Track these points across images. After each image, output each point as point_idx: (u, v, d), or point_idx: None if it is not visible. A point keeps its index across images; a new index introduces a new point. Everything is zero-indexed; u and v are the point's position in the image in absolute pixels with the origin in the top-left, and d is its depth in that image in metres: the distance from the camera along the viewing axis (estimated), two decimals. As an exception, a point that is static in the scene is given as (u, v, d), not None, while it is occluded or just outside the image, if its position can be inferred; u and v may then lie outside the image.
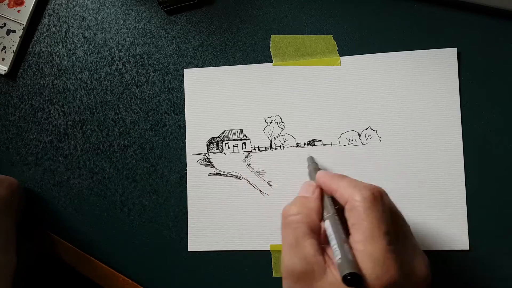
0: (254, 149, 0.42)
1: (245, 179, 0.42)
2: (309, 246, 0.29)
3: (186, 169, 0.43)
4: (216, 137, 0.43)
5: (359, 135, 0.41)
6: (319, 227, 0.31)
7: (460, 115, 0.39)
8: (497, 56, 0.39)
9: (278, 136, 0.42)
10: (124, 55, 0.45)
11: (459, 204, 0.39)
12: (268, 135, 0.42)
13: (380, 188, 0.30)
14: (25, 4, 0.45)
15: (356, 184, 0.30)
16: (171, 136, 0.44)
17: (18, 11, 0.45)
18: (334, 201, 0.32)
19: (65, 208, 0.45)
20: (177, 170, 0.43)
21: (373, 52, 0.41)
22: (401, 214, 0.31)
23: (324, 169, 0.38)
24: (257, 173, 0.42)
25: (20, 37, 0.45)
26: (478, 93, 0.39)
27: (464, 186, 0.39)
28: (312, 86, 0.41)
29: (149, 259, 0.44)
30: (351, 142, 0.41)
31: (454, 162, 0.39)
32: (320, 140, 0.41)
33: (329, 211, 0.31)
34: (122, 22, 0.45)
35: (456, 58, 0.39)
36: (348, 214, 0.29)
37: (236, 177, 0.42)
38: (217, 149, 0.43)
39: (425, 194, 0.39)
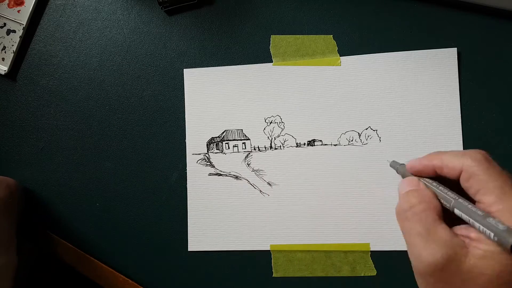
0: (254, 149, 0.42)
1: (245, 179, 0.42)
2: (443, 230, 0.27)
3: (186, 169, 0.43)
4: (216, 137, 0.43)
5: (359, 135, 0.41)
6: (442, 212, 0.29)
7: (460, 115, 0.39)
8: (497, 56, 0.39)
9: (278, 136, 0.42)
10: (124, 55, 0.45)
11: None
12: (268, 135, 0.42)
13: (482, 150, 0.29)
14: (25, 4, 0.45)
15: (460, 153, 0.29)
16: (171, 136, 0.44)
17: (18, 11, 0.45)
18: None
19: (65, 208, 0.45)
20: (177, 170, 0.43)
21: (373, 52, 0.41)
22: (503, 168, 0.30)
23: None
24: (257, 173, 0.42)
25: (20, 37, 0.45)
26: (478, 93, 0.39)
27: (464, 186, 0.39)
28: (312, 86, 0.41)
29: (149, 259, 0.44)
30: (351, 142, 0.41)
31: (454, 162, 0.39)
32: (320, 140, 0.41)
33: (449, 195, 0.29)
34: (122, 22, 0.45)
35: (456, 58, 0.39)
36: (467, 184, 0.28)
37: (236, 177, 0.42)
38: (217, 149, 0.43)
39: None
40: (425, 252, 0.27)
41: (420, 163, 0.32)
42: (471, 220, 0.27)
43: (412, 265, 0.29)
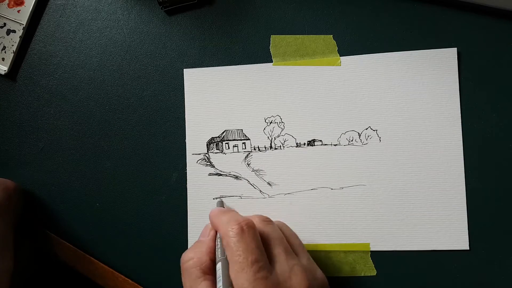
0: (254, 149, 0.42)
1: (245, 179, 0.42)
2: (203, 287, 0.30)
3: (186, 169, 0.43)
4: (216, 137, 0.43)
5: (359, 135, 0.41)
6: (212, 268, 0.32)
7: (460, 115, 0.39)
8: (497, 56, 0.39)
9: (278, 136, 0.42)
10: (124, 55, 0.45)
11: (459, 204, 0.39)
12: (268, 135, 0.42)
13: (250, 220, 0.32)
14: (25, 4, 0.45)
15: (229, 219, 0.32)
16: (171, 136, 0.44)
17: (18, 11, 0.45)
18: None
19: (65, 208, 0.45)
20: (177, 170, 0.43)
21: (373, 52, 0.41)
22: (278, 237, 0.33)
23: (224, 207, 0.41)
24: (257, 173, 0.42)
25: (20, 37, 0.45)
26: (478, 93, 0.39)
27: (464, 186, 0.39)
28: (312, 86, 0.41)
29: (149, 259, 0.43)
30: (351, 142, 0.41)
31: (454, 162, 0.39)
32: (320, 140, 0.41)
33: (221, 253, 0.32)
34: (122, 22, 0.45)
35: (456, 58, 0.39)
36: (225, 249, 0.31)
37: (236, 177, 0.42)
38: (217, 149, 0.43)
39: (425, 194, 0.39)
40: None
41: (211, 218, 0.35)
42: (219, 279, 0.30)
43: None
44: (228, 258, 0.30)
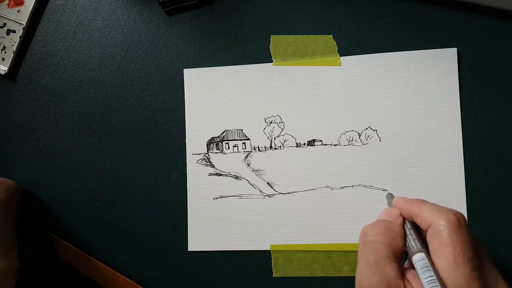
0: (254, 149, 0.42)
1: (245, 179, 0.42)
2: (391, 269, 0.28)
3: (186, 169, 0.43)
4: (216, 137, 0.43)
5: (359, 135, 0.41)
6: (402, 253, 0.30)
7: (460, 115, 0.39)
8: (497, 56, 0.39)
9: (278, 136, 0.42)
10: (124, 55, 0.45)
11: (459, 204, 0.39)
12: (268, 135, 0.42)
13: (461, 213, 0.29)
14: (25, 4, 0.45)
15: (439, 208, 0.29)
16: (171, 136, 0.44)
17: (18, 11, 0.45)
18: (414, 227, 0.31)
19: (65, 208, 0.45)
20: (177, 170, 0.43)
21: (373, 52, 0.41)
22: (480, 241, 0.30)
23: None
24: (257, 173, 0.42)
25: (20, 37, 0.45)
26: (478, 93, 0.39)
27: (464, 186, 0.39)
28: (312, 86, 0.41)
29: (149, 259, 0.44)
30: (351, 142, 0.41)
31: (454, 162, 0.39)
32: (320, 140, 0.41)
33: (417, 244, 0.30)
34: (122, 22, 0.45)
35: (456, 58, 0.39)
36: (430, 239, 0.28)
37: (236, 177, 0.42)
38: (217, 149, 0.43)
39: (425, 194, 0.39)
40: (366, 281, 0.28)
41: (402, 204, 0.32)
42: (421, 278, 0.27)
43: (355, 282, 0.30)
44: (434, 249, 0.27)
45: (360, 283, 0.29)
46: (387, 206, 0.35)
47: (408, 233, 0.30)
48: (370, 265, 0.28)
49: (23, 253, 0.43)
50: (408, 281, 0.28)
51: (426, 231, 0.29)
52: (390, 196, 0.37)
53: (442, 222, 0.28)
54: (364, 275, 0.28)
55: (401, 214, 0.32)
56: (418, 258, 0.28)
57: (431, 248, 0.28)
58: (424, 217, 0.29)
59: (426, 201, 0.31)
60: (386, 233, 0.30)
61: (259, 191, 0.42)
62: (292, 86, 0.42)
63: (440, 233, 0.27)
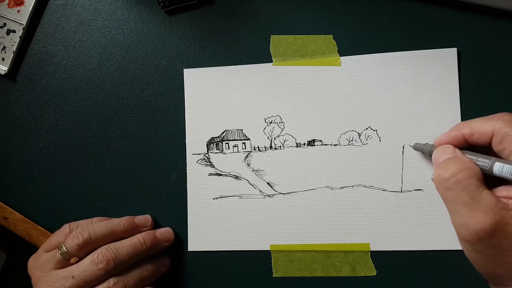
0: (254, 149, 0.42)
1: (245, 179, 0.42)
2: (488, 196, 0.27)
3: (186, 169, 0.43)
4: (216, 137, 0.43)
5: (359, 135, 0.41)
6: (483, 177, 0.29)
7: (460, 115, 0.39)
8: (497, 56, 0.39)
9: (278, 136, 0.42)
10: (124, 55, 0.45)
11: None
12: (268, 135, 0.42)
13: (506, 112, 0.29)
14: (25, 4, 0.45)
15: (488, 117, 0.29)
16: (171, 136, 0.44)
17: (18, 11, 0.45)
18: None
19: (65, 208, 0.45)
20: (177, 170, 0.43)
21: (373, 52, 0.41)
22: None
23: None
24: (257, 173, 0.42)
25: (20, 37, 0.45)
26: (478, 93, 0.39)
27: (464, 186, 0.39)
28: (312, 86, 0.41)
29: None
30: (351, 142, 0.41)
31: (454, 162, 0.39)
32: (320, 140, 0.41)
33: (486, 157, 0.29)
34: (122, 22, 0.45)
35: (456, 58, 0.39)
36: (500, 146, 0.28)
37: (236, 177, 0.42)
38: (217, 149, 0.43)
39: (425, 194, 0.39)
40: (472, 221, 0.27)
41: (449, 135, 0.32)
42: None
43: (457, 233, 0.28)
44: (511, 152, 0.28)
45: (466, 230, 0.27)
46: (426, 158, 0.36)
47: (473, 156, 0.30)
48: (468, 204, 0.27)
49: (23, 253, 0.43)
50: (503, 197, 0.27)
51: (489, 144, 0.29)
52: (419, 145, 0.37)
53: (503, 125, 0.28)
54: (467, 218, 0.27)
55: (454, 147, 0.32)
56: (500, 167, 0.28)
57: (506, 153, 0.28)
58: (481, 131, 0.29)
59: (467, 120, 0.31)
60: (462, 167, 0.29)
61: (259, 191, 0.42)
62: (292, 86, 0.42)
63: (508, 135, 0.28)
